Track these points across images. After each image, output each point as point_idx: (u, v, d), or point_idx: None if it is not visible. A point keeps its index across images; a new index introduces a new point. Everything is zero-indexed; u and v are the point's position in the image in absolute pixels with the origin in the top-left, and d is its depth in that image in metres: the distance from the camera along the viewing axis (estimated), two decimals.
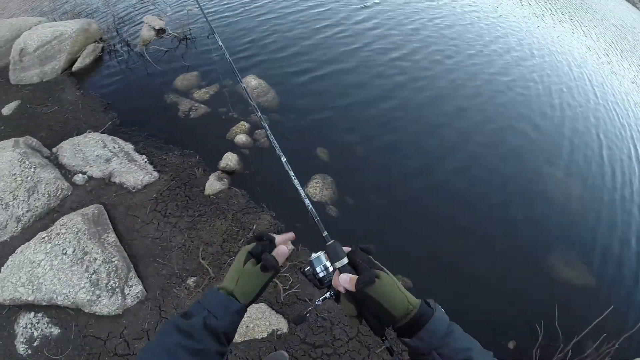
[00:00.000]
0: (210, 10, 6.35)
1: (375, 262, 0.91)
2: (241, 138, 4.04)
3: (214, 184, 3.57)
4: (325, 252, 0.95)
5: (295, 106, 4.60)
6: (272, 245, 1.00)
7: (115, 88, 4.67)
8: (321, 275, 0.95)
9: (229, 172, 3.74)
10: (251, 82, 4.75)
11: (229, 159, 3.78)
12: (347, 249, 0.94)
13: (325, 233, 1.01)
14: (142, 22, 5.95)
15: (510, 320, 3.58)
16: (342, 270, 0.90)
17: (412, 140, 4.59)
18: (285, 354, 2.56)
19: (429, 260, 3.63)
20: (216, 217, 3.35)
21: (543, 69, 7.07)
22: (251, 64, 5.17)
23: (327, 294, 0.97)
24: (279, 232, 3.33)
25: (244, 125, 4.21)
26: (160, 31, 5.81)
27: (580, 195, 4.94)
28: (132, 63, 5.13)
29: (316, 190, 3.73)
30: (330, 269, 0.94)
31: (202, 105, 4.47)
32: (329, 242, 0.95)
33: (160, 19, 6.09)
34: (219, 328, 0.84)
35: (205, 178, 3.64)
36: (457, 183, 4.26)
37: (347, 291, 0.88)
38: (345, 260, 0.90)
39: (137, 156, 3.85)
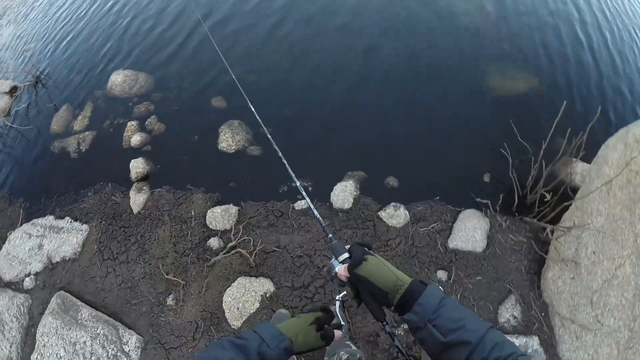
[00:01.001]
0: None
1: (368, 251, 1.05)
2: (136, 139, 3.58)
3: (137, 199, 3.23)
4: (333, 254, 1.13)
5: (170, 76, 4.04)
6: (332, 318, 1.12)
7: (4, 175, 4.24)
8: (333, 273, 1.09)
9: (143, 179, 3.36)
10: (117, 78, 4.10)
11: (137, 166, 3.37)
12: (348, 246, 1.10)
13: (330, 235, 1.19)
14: None
15: (476, 156, 3.50)
16: (344, 262, 1.07)
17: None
18: (284, 311, 2.38)
19: (385, 140, 3.50)
20: (156, 228, 3.07)
21: None
22: (110, 60, 4.47)
23: (339, 287, 1.11)
24: (218, 202, 3.04)
25: (132, 125, 3.73)
26: (12, 90, 5.12)
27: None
28: (5, 140, 4.60)
29: (229, 140, 3.30)
30: (337, 264, 1.09)
31: (86, 133, 3.98)
32: (333, 242, 1.14)
33: (6, 79, 5.35)
34: (268, 357, 0.90)
35: (127, 198, 3.30)
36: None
37: (348, 279, 1.03)
38: (346, 255, 1.08)
39: (60, 223, 3.55)
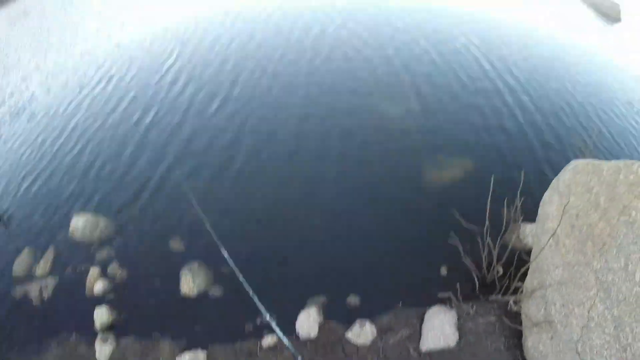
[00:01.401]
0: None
1: None
2: (99, 286, 3.95)
3: (103, 351, 3.54)
4: None
5: (130, 219, 4.53)
6: None
7: None
8: None
9: (108, 328, 3.69)
10: (78, 222, 4.51)
11: (101, 316, 3.72)
12: None
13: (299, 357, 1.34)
14: None
15: (428, 253, 3.91)
16: None
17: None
18: None
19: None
20: None
21: None
22: (73, 202, 4.88)
23: None
24: (185, 348, 3.40)
25: (94, 271, 4.09)
26: None
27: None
28: None
29: (190, 284, 3.79)
30: None
31: (49, 279, 4.26)
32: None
33: None
34: None
35: (92, 350, 3.58)
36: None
37: None
38: None
39: None
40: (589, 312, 2.81)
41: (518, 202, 3.33)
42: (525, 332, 3.15)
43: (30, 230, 4.77)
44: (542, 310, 3.04)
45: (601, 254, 2.83)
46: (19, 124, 6.96)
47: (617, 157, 5.31)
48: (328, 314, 3.53)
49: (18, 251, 4.64)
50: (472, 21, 9.39)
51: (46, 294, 4.17)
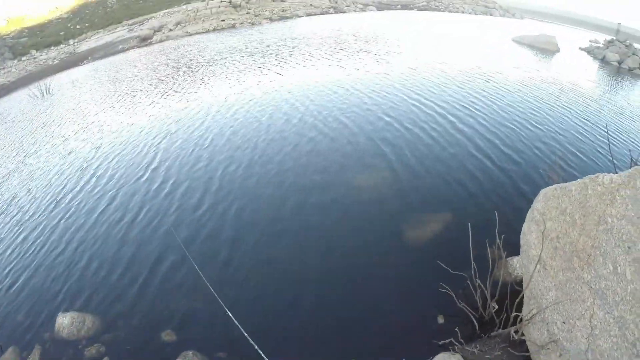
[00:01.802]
0: None
1: None
2: None
3: None
4: None
5: (118, 314, 4.39)
6: None
7: None
8: None
9: None
10: (64, 321, 4.35)
11: None
12: None
13: None
14: None
15: (423, 306, 3.94)
16: None
17: None
18: None
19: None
20: None
21: None
22: (60, 301, 4.72)
23: None
24: None
25: None
26: None
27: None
28: None
29: None
30: None
31: None
32: None
33: None
34: None
35: None
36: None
37: None
38: None
39: None
40: (590, 321, 2.85)
41: (499, 240, 3.49)
42: (534, 357, 3.15)
43: (15, 330, 4.49)
44: (545, 332, 3.08)
45: (589, 265, 2.92)
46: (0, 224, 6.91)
47: (584, 174, 5.65)
48: None
49: (2, 351, 4.40)
50: (424, 84, 10.50)
51: None
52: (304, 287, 4.37)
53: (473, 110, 8.52)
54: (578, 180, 3.08)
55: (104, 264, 5.14)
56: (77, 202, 6.91)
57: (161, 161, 7.76)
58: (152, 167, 7.61)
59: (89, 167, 8.31)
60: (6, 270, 5.56)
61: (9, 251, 6.01)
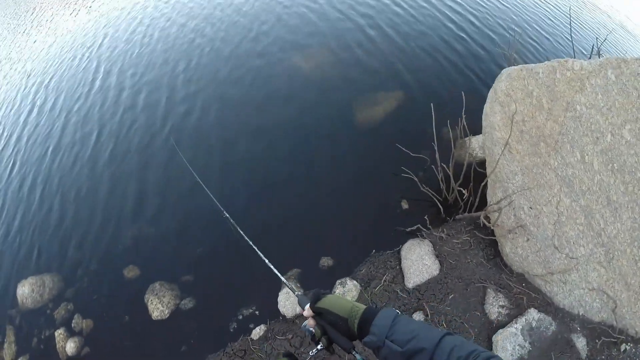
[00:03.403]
0: None
1: (325, 293, 1.18)
2: (70, 346, 3.56)
3: None
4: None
5: (74, 264, 4.05)
6: None
7: None
8: (305, 326, 1.22)
9: None
10: (24, 290, 4.01)
11: None
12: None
13: (297, 293, 1.42)
14: None
15: (384, 192, 3.78)
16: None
17: None
18: None
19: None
20: None
21: None
22: (11, 273, 4.29)
23: (311, 338, 1.20)
24: None
25: (60, 333, 3.67)
26: None
27: None
28: None
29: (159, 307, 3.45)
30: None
31: None
32: (298, 296, 1.30)
33: None
34: None
35: None
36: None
37: (315, 322, 1.14)
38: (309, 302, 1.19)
39: None
40: (557, 208, 2.88)
41: (463, 121, 3.25)
42: (501, 241, 3.19)
43: None
44: (512, 216, 3.09)
45: (556, 151, 2.86)
46: None
47: (543, 59, 5.17)
48: (306, 285, 3.37)
49: None
50: None
51: None
52: (253, 188, 4.09)
53: None
54: (545, 62, 2.87)
55: (37, 214, 4.59)
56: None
57: (106, 70, 6.47)
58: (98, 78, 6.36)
59: (24, 101, 6.89)
60: None
61: None
